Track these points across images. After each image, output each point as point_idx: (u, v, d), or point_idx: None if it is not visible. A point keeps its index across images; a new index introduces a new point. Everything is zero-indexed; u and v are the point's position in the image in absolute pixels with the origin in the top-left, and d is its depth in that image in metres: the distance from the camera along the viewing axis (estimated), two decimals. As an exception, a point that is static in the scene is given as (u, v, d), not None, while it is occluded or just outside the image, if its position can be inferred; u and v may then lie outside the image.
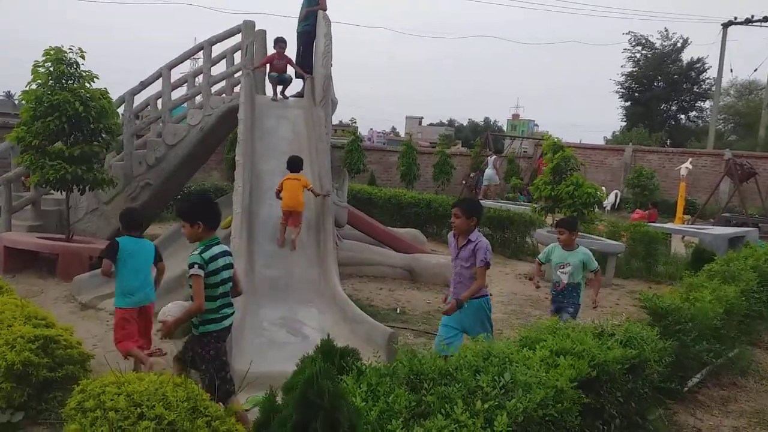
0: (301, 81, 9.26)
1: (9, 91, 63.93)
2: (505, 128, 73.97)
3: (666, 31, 38.41)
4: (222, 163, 16.79)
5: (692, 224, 15.56)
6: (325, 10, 8.89)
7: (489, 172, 18.29)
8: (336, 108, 9.29)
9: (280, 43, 8.72)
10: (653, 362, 3.88)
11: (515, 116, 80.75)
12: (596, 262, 5.65)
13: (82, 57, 7.69)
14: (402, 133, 69.46)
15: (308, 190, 6.92)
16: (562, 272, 5.57)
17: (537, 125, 74.35)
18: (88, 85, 7.65)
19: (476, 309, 4.63)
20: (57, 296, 6.79)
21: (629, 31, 39.82)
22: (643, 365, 3.79)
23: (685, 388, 4.82)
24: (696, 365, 4.93)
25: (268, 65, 8.84)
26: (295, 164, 6.94)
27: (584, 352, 3.40)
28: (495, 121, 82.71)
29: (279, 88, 8.93)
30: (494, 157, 19.02)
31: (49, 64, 7.44)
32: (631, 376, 3.62)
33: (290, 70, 8.98)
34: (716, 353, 5.03)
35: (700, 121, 39.87)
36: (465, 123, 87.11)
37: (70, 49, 7.59)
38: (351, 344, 3.64)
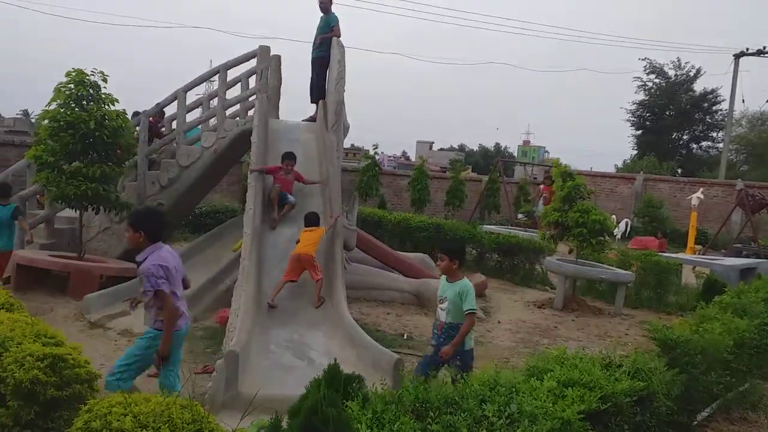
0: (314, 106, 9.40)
1: (26, 110, 65.14)
2: (515, 154, 74.14)
3: (678, 60, 38.58)
4: (234, 185, 16.93)
5: (704, 254, 15.43)
6: (339, 36, 9.03)
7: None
8: (348, 132, 9.38)
9: (287, 159, 7.61)
10: (662, 395, 3.84)
11: (526, 142, 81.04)
12: (473, 303, 4.36)
13: (104, 80, 7.89)
14: (413, 157, 69.77)
15: (327, 231, 6.99)
16: (440, 308, 4.53)
17: (548, 152, 74.52)
18: (107, 107, 7.82)
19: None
20: (67, 314, 6.84)
21: (645, 57, 39.86)
22: (652, 397, 3.75)
23: (695, 422, 4.75)
24: (706, 398, 4.86)
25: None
26: (310, 220, 6.90)
27: (592, 383, 3.38)
28: (506, 147, 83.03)
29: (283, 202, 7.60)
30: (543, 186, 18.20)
31: (72, 85, 7.62)
32: (639, 408, 3.59)
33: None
34: (726, 386, 4.96)
35: (712, 151, 39.79)
36: (476, 148, 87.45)
37: (92, 72, 7.80)
38: (357, 369, 3.64)
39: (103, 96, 7.86)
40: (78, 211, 8.06)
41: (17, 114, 63.23)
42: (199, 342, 6.25)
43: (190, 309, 7.01)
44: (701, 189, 19.17)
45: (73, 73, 7.71)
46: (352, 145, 53.76)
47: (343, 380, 2.96)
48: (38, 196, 9.06)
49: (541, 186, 17.35)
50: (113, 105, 7.93)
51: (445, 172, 28.81)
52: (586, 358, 3.84)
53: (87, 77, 7.75)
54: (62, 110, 7.58)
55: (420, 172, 20.62)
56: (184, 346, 6.05)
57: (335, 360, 3.31)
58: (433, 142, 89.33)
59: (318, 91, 9.35)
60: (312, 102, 9.60)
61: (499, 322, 8.21)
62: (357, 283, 8.47)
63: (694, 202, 17.23)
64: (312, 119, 9.43)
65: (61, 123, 7.45)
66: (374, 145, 21.49)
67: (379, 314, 7.94)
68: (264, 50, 9.01)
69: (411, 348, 6.54)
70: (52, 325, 5.37)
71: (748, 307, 5.95)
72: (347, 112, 8.77)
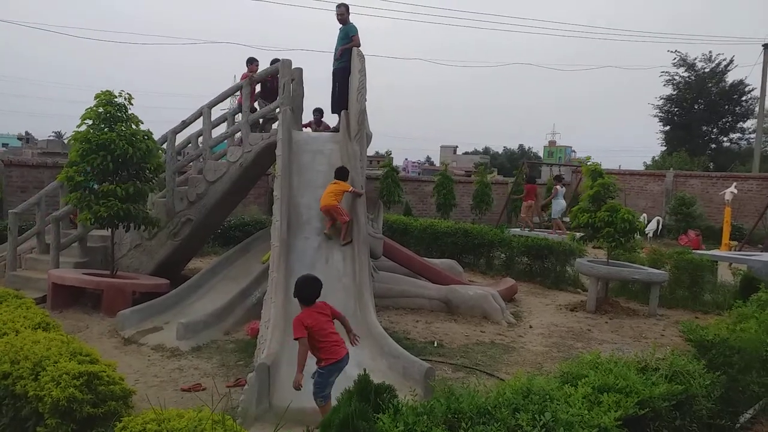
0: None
1: (59, 131, 66.96)
2: (541, 155, 73.46)
3: (710, 53, 37.87)
4: (261, 197, 17.09)
5: (740, 250, 15.05)
6: (358, 46, 9.07)
7: (563, 203, 16.58)
8: (371, 141, 9.41)
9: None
10: (701, 398, 3.74)
11: (552, 143, 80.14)
12: None
13: (130, 102, 8.07)
14: (437, 163, 69.65)
15: (349, 192, 7.62)
16: None
17: (574, 151, 73.60)
18: (134, 127, 7.98)
19: None
20: (101, 331, 6.95)
21: (675, 50, 39.08)
22: (691, 401, 3.65)
23: (737, 424, 4.61)
24: (747, 399, 4.72)
25: None
26: (339, 173, 7.77)
27: (628, 388, 3.31)
28: (530, 148, 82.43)
29: None
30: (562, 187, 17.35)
31: (101, 108, 7.81)
32: (678, 412, 3.49)
33: None
34: (767, 387, 4.81)
35: (743, 143, 38.87)
36: (500, 151, 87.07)
37: (119, 93, 7.98)
38: (388, 379, 3.62)
39: (130, 116, 8.02)
40: (109, 230, 8.21)
41: (50, 135, 65.01)
42: (231, 355, 6.30)
43: (220, 322, 7.14)
44: (734, 183, 18.75)
45: (102, 95, 7.89)
46: (377, 152, 53.94)
47: (374, 391, 2.95)
48: (71, 215, 9.26)
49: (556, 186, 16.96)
50: (138, 126, 8.09)
51: (470, 176, 28.67)
52: (620, 363, 3.77)
53: (114, 98, 7.93)
54: (92, 131, 7.75)
55: (444, 176, 20.54)
56: (216, 359, 6.13)
57: (365, 371, 3.31)
58: (457, 146, 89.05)
59: (340, 102, 9.40)
60: (334, 112, 9.66)
61: (530, 327, 8.10)
62: (385, 291, 8.46)
63: (728, 197, 16.85)
64: (335, 129, 9.48)
65: (92, 144, 7.61)
66: (387, 152, 21.55)
67: (408, 322, 7.90)
68: (286, 63, 9.08)
69: (441, 356, 6.50)
70: (87, 342, 5.49)
71: (788, 304, 5.78)
72: (369, 121, 8.79)
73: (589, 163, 9.88)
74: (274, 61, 9.99)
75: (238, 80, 10.11)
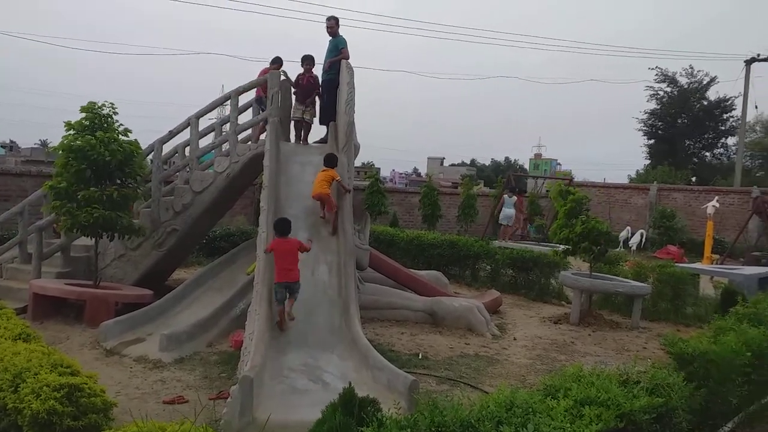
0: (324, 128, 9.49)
1: (45, 140, 66.44)
2: (527, 168, 74.06)
3: (691, 68, 38.38)
4: (248, 208, 17.03)
5: (722, 264, 15.24)
6: (347, 59, 9.12)
7: (510, 211, 18.02)
8: (359, 152, 9.44)
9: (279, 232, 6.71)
10: (681, 410, 3.78)
11: (537, 155, 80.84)
12: None
13: (115, 112, 8.03)
14: (424, 174, 69.92)
15: (337, 182, 7.76)
16: None
17: (560, 164, 74.31)
18: (120, 137, 7.92)
19: None
20: (83, 342, 6.88)
21: (656, 66, 39.39)
22: (671, 414, 3.69)
23: (717, 437, 4.66)
24: (727, 412, 4.77)
25: None
26: (328, 161, 7.90)
27: (609, 401, 3.34)
28: (516, 160, 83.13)
29: None
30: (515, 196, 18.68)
31: (87, 121, 7.79)
32: (658, 425, 3.53)
33: None
34: (747, 399, 4.87)
35: (725, 158, 39.43)
36: (487, 163, 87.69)
37: (104, 104, 7.96)
38: (372, 392, 3.63)
39: (116, 126, 7.98)
40: (93, 239, 8.14)
41: (35, 144, 64.48)
42: (214, 367, 6.26)
43: (204, 333, 7.09)
44: (716, 197, 19.02)
45: (86, 107, 7.88)
46: (363, 164, 54.11)
47: (358, 404, 2.96)
48: (54, 225, 9.17)
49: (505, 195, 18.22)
50: (126, 136, 8.05)
51: (456, 187, 28.80)
52: (603, 375, 3.80)
53: (98, 109, 7.90)
54: (74, 139, 7.70)
55: (429, 188, 20.61)
56: (199, 371, 6.09)
57: (350, 384, 3.32)
58: (443, 158, 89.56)
59: (328, 114, 9.43)
60: (322, 124, 9.68)
61: (514, 339, 8.14)
62: (370, 303, 8.46)
63: (710, 210, 17.08)
64: (323, 141, 9.50)
65: (72, 151, 7.57)
66: (370, 162, 21.82)
67: (393, 334, 7.91)
68: (273, 75, 9.10)
69: (426, 368, 6.50)
70: (68, 353, 5.43)
71: (763, 316, 5.87)
72: (357, 132, 8.83)
73: (551, 189, 10.15)
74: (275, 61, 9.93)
75: (226, 90, 10.10)
